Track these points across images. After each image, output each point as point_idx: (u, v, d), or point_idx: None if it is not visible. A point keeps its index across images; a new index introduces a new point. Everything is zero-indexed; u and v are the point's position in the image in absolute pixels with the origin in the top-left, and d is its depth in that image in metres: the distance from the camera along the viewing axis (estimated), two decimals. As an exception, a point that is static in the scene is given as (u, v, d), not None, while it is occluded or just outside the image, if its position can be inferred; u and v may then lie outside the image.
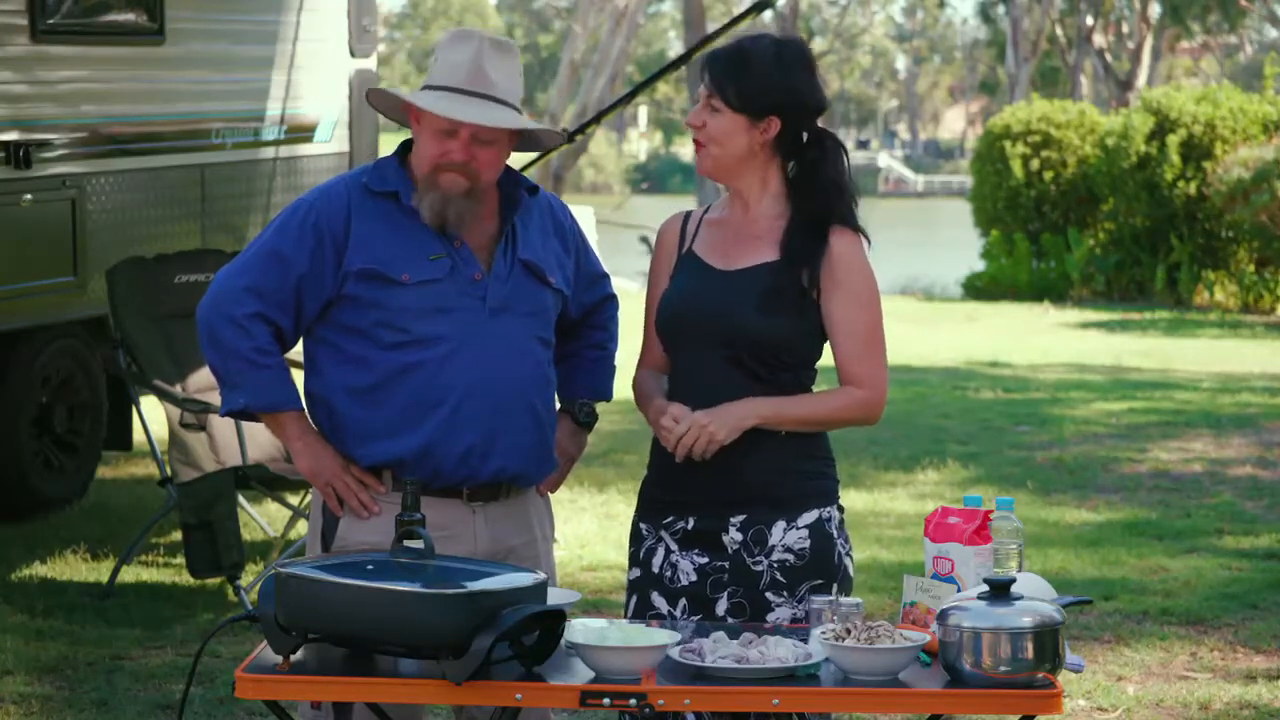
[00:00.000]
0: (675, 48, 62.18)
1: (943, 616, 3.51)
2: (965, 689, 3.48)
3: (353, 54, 9.94)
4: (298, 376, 4.06)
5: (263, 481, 7.33)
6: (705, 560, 4.03)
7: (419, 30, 79.19)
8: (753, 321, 3.97)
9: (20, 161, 7.82)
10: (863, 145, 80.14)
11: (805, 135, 4.06)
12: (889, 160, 75.31)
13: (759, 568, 4.00)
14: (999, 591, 3.52)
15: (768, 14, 20.74)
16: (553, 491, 4.28)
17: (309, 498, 6.25)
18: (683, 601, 4.04)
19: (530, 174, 5.04)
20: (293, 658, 3.48)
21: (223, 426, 7.37)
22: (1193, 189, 20.03)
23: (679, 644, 3.57)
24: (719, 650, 3.54)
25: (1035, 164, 21.77)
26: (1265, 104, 20.45)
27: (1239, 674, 6.46)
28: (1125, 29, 45.18)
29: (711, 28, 29.40)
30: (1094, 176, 21.27)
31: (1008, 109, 23.58)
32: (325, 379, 4.06)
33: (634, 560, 4.13)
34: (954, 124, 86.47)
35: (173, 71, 8.83)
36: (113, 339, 7.67)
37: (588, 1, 30.78)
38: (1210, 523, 8.90)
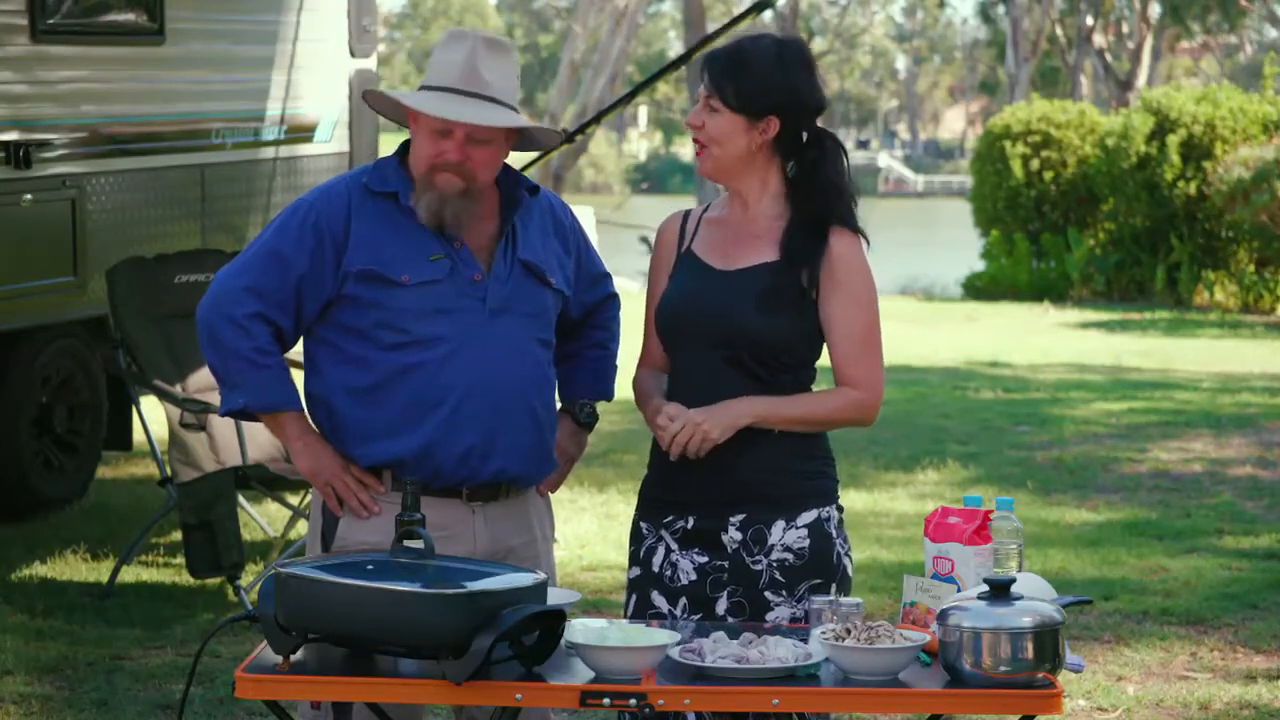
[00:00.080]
0: (675, 48, 62.17)
1: (943, 616, 3.51)
2: (965, 689, 3.48)
3: (353, 54, 9.94)
4: (298, 376, 4.06)
5: (263, 481, 7.33)
6: (705, 559, 4.03)
7: (419, 30, 79.19)
8: (752, 322, 3.97)
9: (20, 161, 7.82)
10: (863, 145, 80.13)
11: (805, 135, 4.06)
12: (889, 160, 75.29)
13: (758, 567, 4.00)
14: (999, 591, 3.52)
15: (768, 14, 20.73)
16: (553, 491, 4.28)
17: (309, 498, 6.25)
18: (683, 600, 4.05)
19: (530, 174, 5.02)
20: (293, 658, 3.48)
21: (223, 426, 7.37)
22: (1193, 189, 20.02)
23: (679, 644, 3.57)
24: (719, 650, 3.54)
25: (1035, 164, 21.77)
26: (1265, 104, 20.43)
27: (1239, 674, 6.45)
28: (1125, 29, 45.17)
29: (711, 28, 29.39)
30: (1094, 176, 21.26)
31: (1008, 109, 23.57)
32: (325, 379, 4.06)
33: (634, 559, 4.13)
34: (954, 124, 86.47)
35: (173, 71, 8.82)
36: (113, 339, 7.66)
37: (588, 1, 30.77)
38: (1210, 523, 8.90)
